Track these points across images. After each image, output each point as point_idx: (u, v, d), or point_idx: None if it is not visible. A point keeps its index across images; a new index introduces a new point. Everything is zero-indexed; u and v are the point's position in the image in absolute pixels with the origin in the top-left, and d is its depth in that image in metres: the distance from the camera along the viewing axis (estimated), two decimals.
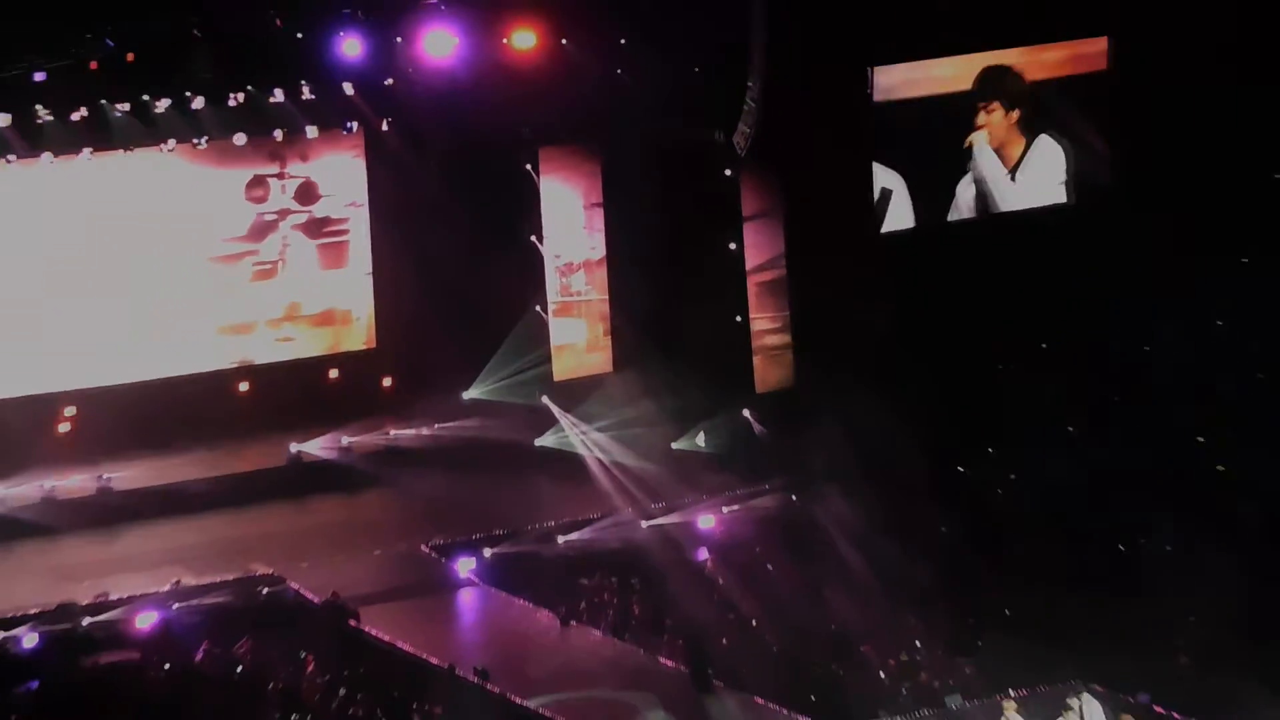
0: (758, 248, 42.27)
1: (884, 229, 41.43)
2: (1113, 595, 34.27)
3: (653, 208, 40.94)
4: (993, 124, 41.44)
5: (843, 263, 40.16)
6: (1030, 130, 41.85)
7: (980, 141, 41.66)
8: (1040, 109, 41.73)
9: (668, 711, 31.43)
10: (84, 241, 39.85)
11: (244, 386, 41.56)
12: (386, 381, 42.78)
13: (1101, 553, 36.23)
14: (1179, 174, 40.02)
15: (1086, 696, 29.04)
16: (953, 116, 41.43)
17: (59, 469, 39.03)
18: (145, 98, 38.21)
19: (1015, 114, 41.59)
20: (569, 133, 41.82)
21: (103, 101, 37.83)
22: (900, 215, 41.46)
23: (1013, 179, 41.85)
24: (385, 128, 40.98)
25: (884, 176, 41.25)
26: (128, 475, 39.31)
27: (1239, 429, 38.03)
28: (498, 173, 41.80)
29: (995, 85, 41.36)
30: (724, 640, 34.14)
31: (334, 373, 42.49)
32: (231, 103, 39.10)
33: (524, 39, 39.17)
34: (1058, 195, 42.39)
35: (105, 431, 39.75)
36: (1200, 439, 38.37)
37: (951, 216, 41.91)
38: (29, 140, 37.76)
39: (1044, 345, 40.09)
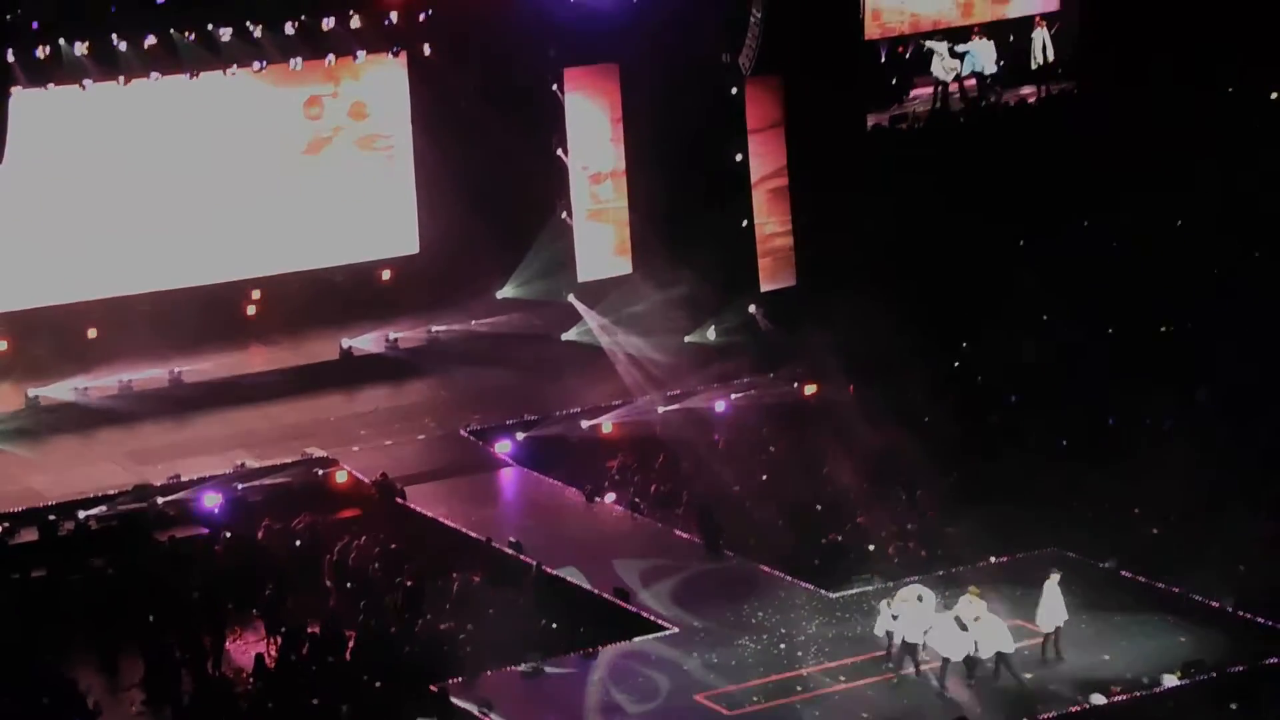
0: (764, 157, 42.09)
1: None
2: (1088, 468, 34.36)
3: (668, 122, 40.92)
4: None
5: (839, 167, 40.21)
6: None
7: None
8: None
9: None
10: (159, 159, 39.68)
11: (299, 288, 41.45)
12: (428, 281, 42.48)
13: (1077, 430, 36.21)
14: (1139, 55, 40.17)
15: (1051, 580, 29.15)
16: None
17: (135, 364, 38.96)
18: (210, 26, 38.05)
19: None
20: (590, 55, 41.47)
21: (171, 30, 37.60)
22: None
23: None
24: (426, 52, 40.61)
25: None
26: (197, 369, 39.29)
27: (1201, 315, 38.21)
28: (527, 91, 41.70)
29: None
30: (733, 513, 34.11)
31: (385, 274, 42.36)
32: (288, 30, 38.85)
33: None
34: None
35: (176, 329, 39.74)
36: (1163, 328, 38.36)
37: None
38: (104, 66, 37.49)
39: (1020, 241, 39.92)
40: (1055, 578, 29.10)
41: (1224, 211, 39.14)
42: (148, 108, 39.04)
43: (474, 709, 27.41)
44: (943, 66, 42.32)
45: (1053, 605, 28.82)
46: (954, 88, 42.60)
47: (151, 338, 39.46)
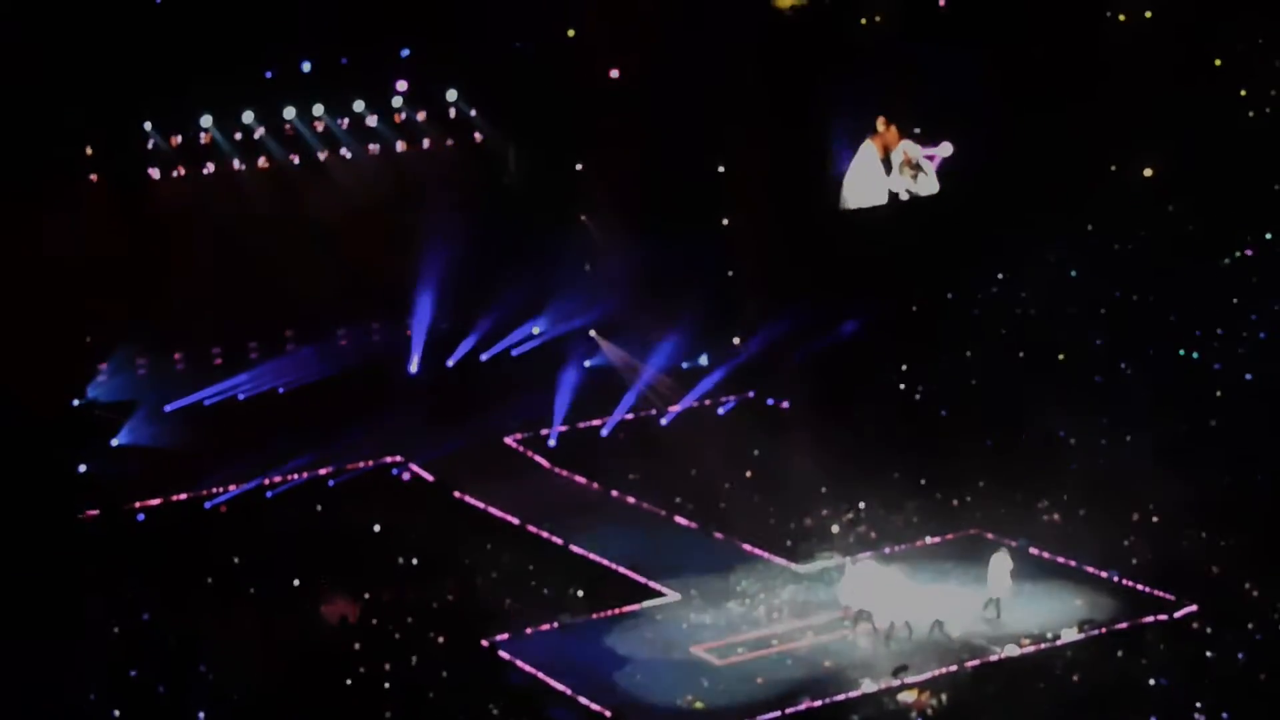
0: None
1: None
2: (1005, 467, 34.96)
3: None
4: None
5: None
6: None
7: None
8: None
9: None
10: None
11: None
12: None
13: (996, 436, 36.50)
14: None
15: (1000, 553, 29.90)
16: None
17: None
18: None
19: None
20: None
21: None
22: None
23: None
24: None
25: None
26: None
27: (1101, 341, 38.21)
28: None
29: None
30: (721, 502, 34.80)
31: None
32: None
33: None
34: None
35: None
36: (1060, 356, 38.34)
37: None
38: None
39: (949, 295, 39.80)
40: (1001, 555, 29.55)
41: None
42: None
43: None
44: None
45: (998, 576, 29.44)
46: None
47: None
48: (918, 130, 39.38)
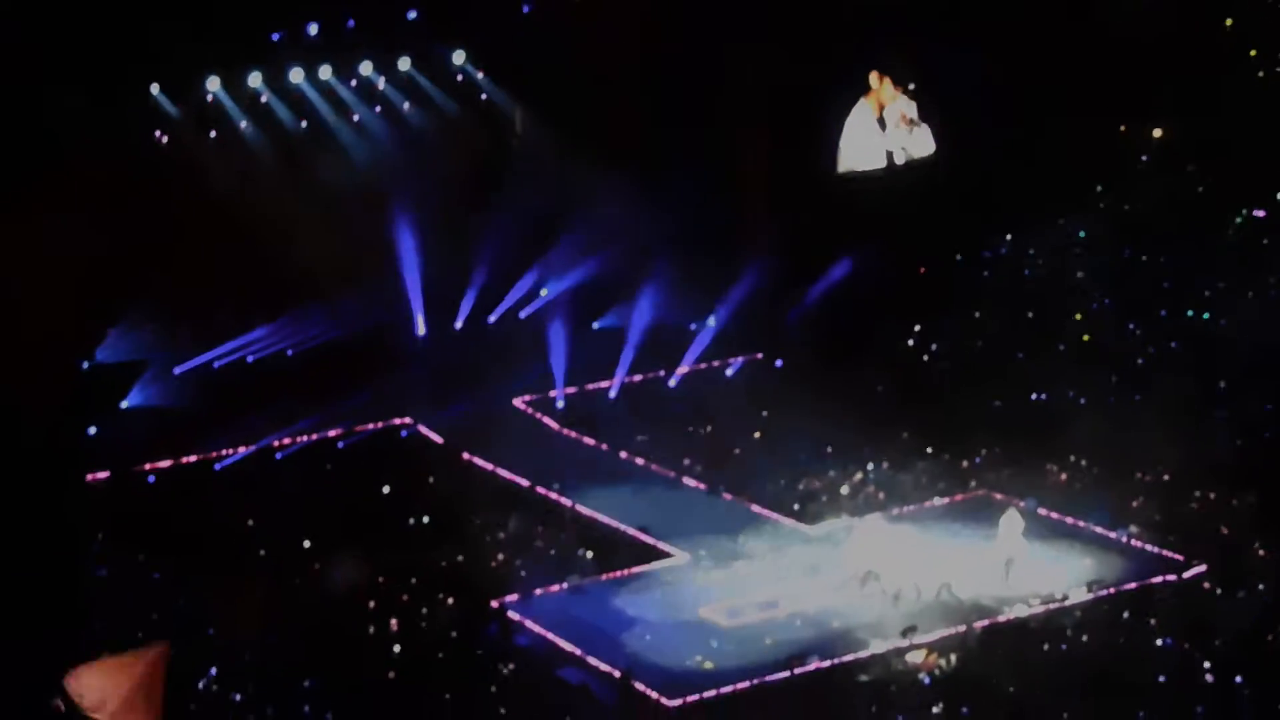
0: None
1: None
2: (1011, 429, 35.02)
3: None
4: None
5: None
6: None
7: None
8: None
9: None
10: None
11: None
12: None
13: (1004, 396, 36.63)
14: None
15: (1010, 513, 30.04)
16: None
17: None
18: None
19: None
20: None
21: None
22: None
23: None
24: None
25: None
26: None
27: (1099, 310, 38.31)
28: None
29: None
30: (730, 464, 35.02)
31: None
32: None
33: None
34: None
35: None
36: (1077, 316, 38.43)
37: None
38: None
39: (958, 257, 39.66)
40: (1012, 514, 29.71)
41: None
42: None
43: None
44: None
45: (1009, 536, 29.54)
46: None
47: None
48: (912, 86, 39.16)
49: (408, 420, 37.05)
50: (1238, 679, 24.86)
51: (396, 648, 26.87)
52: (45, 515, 29.25)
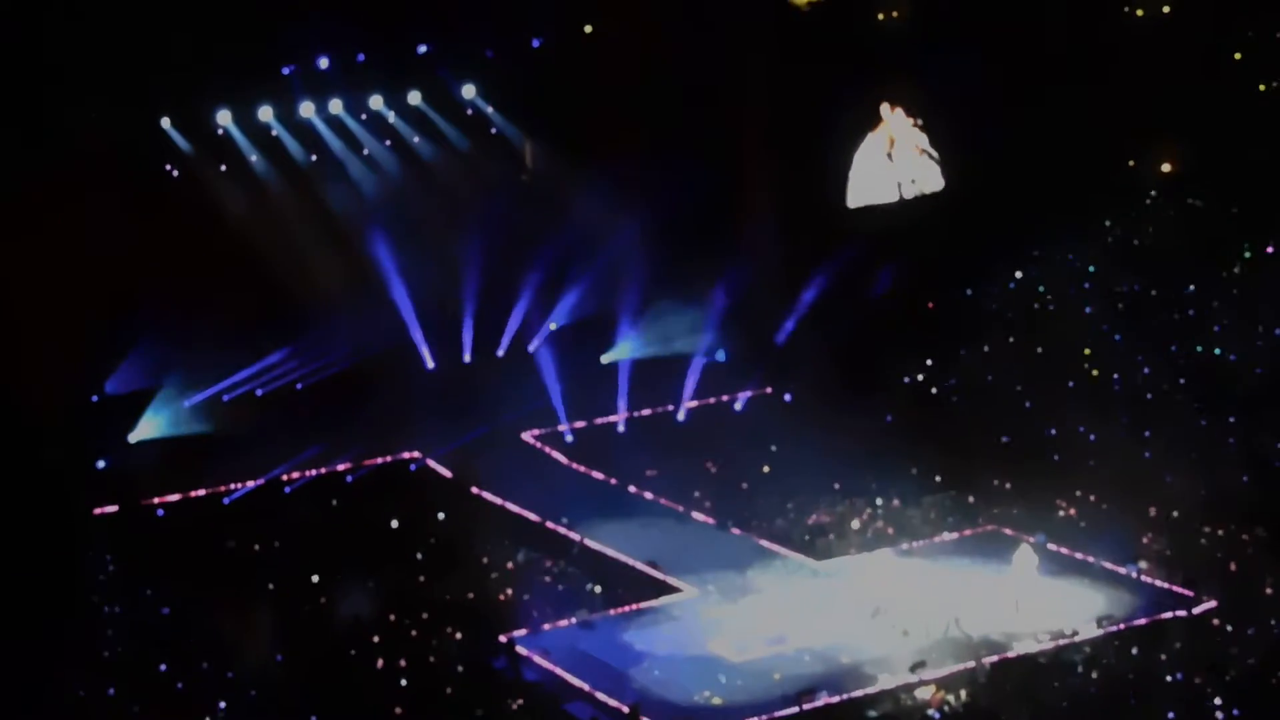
0: None
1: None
2: (1021, 465, 35.01)
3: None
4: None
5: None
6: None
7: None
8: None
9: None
10: None
11: None
12: None
13: (1014, 432, 36.63)
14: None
15: (1024, 549, 29.94)
16: None
17: None
18: None
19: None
20: None
21: None
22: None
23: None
24: None
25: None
26: None
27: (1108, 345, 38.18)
28: None
29: None
30: (739, 498, 34.87)
31: None
32: None
33: None
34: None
35: None
36: (1085, 350, 38.27)
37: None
38: None
39: (968, 290, 39.50)
40: (1025, 549, 29.61)
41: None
42: None
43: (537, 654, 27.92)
44: None
45: (1023, 571, 29.46)
46: None
47: None
48: (921, 121, 39.07)
49: (416, 454, 37.08)
50: (1248, 715, 24.75)
51: (404, 682, 26.79)
52: (52, 543, 29.33)
